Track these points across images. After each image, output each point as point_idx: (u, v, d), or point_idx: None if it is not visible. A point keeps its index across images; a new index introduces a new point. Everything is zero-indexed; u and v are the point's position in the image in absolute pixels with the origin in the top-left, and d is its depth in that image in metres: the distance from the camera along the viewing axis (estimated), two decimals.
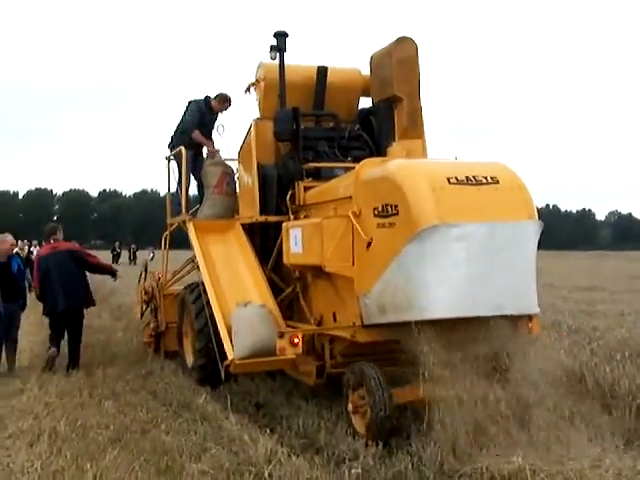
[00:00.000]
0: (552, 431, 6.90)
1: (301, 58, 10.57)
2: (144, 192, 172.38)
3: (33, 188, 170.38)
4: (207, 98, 11.67)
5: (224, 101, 11.70)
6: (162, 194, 12.33)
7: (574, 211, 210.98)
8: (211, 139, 11.82)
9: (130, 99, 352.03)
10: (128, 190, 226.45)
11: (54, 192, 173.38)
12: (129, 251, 62.30)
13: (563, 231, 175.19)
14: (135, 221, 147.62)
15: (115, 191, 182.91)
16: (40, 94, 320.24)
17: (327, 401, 8.94)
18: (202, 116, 11.61)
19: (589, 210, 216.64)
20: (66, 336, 11.81)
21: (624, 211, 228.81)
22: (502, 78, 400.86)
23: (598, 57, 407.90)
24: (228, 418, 8.26)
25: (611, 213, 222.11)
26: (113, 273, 12.70)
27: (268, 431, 7.88)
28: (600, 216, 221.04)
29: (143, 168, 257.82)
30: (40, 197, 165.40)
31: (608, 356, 9.75)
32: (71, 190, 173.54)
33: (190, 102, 11.76)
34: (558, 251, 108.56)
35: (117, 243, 65.28)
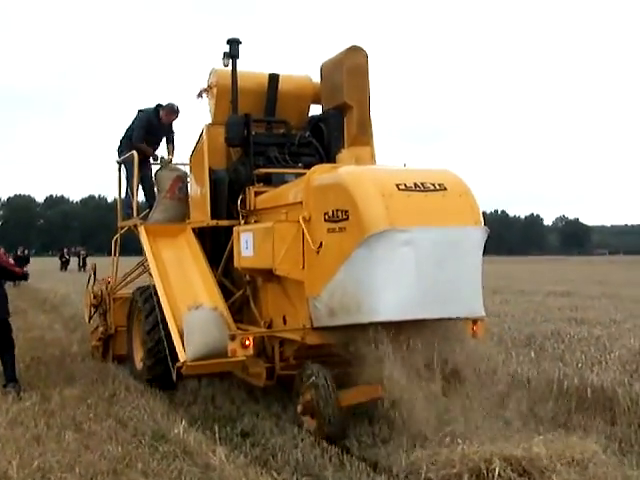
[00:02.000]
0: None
1: (253, 65, 10.75)
2: (91, 198, 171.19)
3: None
4: (157, 107, 11.69)
5: (171, 112, 11.73)
6: (110, 199, 12.27)
7: (522, 216, 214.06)
8: (157, 147, 11.88)
9: (76, 103, 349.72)
10: (75, 196, 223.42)
11: None
12: (78, 257, 61.33)
13: (512, 236, 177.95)
14: (83, 227, 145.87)
15: (62, 197, 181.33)
16: None
17: None
18: (150, 126, 11.62)
19: (537, 215, 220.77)
20: None
21: (571, 216, 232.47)
22: (453, 87, 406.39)
23: (548, 63, 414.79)
24: (215, 452, 6.95)
25: (558, 218, 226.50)
26: (25, 277, 11.68)
27: (262, 467, 6.87)
28: (548, 221, 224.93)
29: (90, 173, 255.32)
30: None
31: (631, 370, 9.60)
32: (16, 196, 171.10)
33: (140, 111, 11.78)
34: (510, 256, 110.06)
35: (65, 249, 64.24)
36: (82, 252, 62.12)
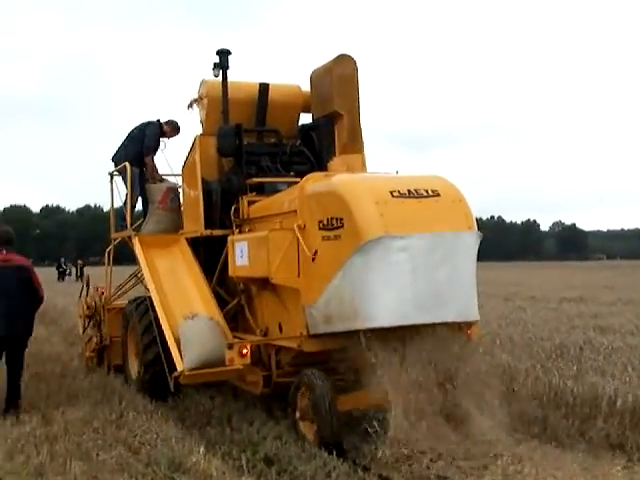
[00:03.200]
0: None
1: (243, 75, 10.81)
2: (87, 207, 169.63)
3: None
4: (159, 122, 11.74)
5: (175, 129, 11.80)
6: (106, 209, 12.19)
7: (519, 222, 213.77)
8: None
9: (72, 113, 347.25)
10: (71, 206, 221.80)
11: None
12: (76, 267, 60.96)
13: (509, 242, 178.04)
14: (79, 237, 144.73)
15: (58, 207, 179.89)
16: None
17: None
18: (157, 140, 11.68)
19: (534, 221, 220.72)
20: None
21: (568, 222, 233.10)
22: (448, 94, 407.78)
23: (544, 68, 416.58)
24: None
25: (555, 224, 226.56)
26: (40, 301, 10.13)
27: None
28: (544, 227, 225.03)
29: (86, 183, 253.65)
30: None
31: None
32: (12, 206, 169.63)
33: (149, 124, 11.72)
34: (508, 262, 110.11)
35: (62, 259, 63.71)
36: (79, 262, 61.85)
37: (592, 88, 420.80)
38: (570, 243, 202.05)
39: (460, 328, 7.88)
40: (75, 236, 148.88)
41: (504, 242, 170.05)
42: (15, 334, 9.52)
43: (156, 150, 11.72)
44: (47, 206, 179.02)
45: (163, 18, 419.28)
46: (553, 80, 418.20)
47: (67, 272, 60.96)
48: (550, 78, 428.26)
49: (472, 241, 7.77)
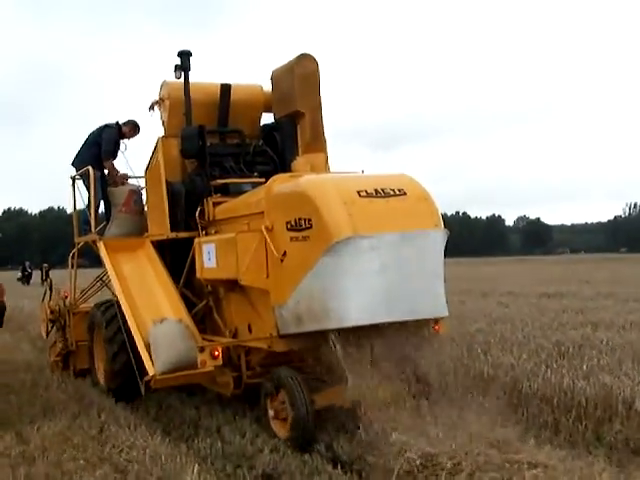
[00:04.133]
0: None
1: (204, 76, 10.80)
2: (50, 210, 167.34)
3: None
4: (117, 124, 11.68)
5: (135, 128, 11.76)
6: (69, 212, 11.97)
7: (484, 217, 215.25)
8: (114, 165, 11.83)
9: (35, 115, 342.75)
10: (34, 208, 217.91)
11: None
12: (41, 271, 60.01)
13: (474, 238, 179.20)
14: (42, 240, 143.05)
15: (20, 209, 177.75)
16: None
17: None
18: (116, 142, 11.66)
19: (499, 216, 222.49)
20: None
21: (532, 216, 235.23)
22: (409, 90, 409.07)
23: (507, 63, 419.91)
24: None
25: (520, 218, 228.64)
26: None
27: None
28: (509, 222, 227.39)
29: (49, 185, 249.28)
30: None
31: None
32: None
33: (105, 127, 11.70)
34: (475, 257, 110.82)
35: (27, 263, 62.25)
36: (45, 265, 60.92)
37: (555, 83, 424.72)
38: (535, 237, 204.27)
39: (426, 323, 7.97)
40: (38, 239, 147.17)
41: (469, 237, 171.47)
42: None
43: (115, 153, 11.69)
44: (9, 209, 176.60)
45: (124, 19, 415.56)
46: (516, 75, 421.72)
47: (31, 275, 59.96)
48: (512, 73, 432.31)
49: (439, 238, 7.86)
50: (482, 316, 16.34)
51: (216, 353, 8.27)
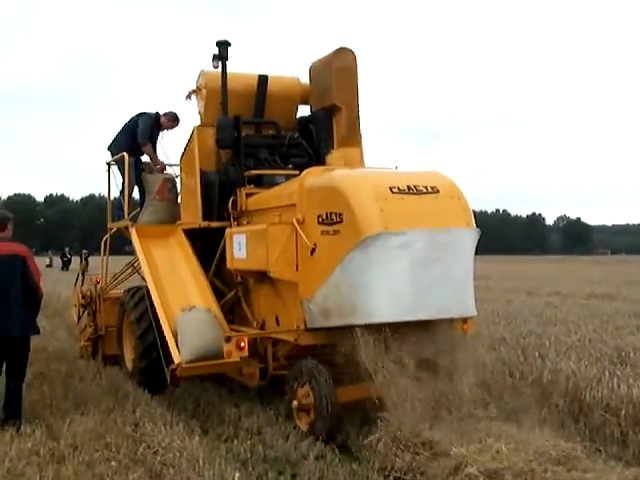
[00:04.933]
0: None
1: (243, 66, 10.80)
2: (91, 197, 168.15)
3: None
4: (157, 114, 11.71)
5: (174, 120, 11.75)
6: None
7: (524, 216, 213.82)
8: (156, 153, 11.85)
9: (77, 102, 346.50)
10: (75, 195, 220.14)
11: None
12: (81, 257, 60.21)
13: (513, 235, 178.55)
14: (82, 227, 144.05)
15: (62, 196, 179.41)
16: None
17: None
18: (152, 130, 11.67)
19: (539, 215, 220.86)
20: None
21: (573, 216, 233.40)
22: (456, 85, 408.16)
23: (551, 62, 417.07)
24: None
25: (560, 218, 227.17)
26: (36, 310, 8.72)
27: None
28: (549, 221, 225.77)
29: (90, 173, 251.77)
30: None
31: None
32: (16, 194, 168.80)
33: (142, 114, 11.73)
34: (511, 255, 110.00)
35: (67, 249, 62.34)
36: (84, 251, 61.19)
37: (602, 81, 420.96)
38: (575, 237, 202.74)
39: (452, 323, 7.88)
40: (79, 225, 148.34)
41: (508, 235, 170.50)
42: (7, 334, 8.26)
43: (152, 140, 11.71)
44: (51, 195, 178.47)
45: (168, 5, 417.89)
46: (561, 72, 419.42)
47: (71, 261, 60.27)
48: (558, 71, 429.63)
49: (470, 237, 7.79)
50: (531, 316, 16.12)
51: (242, 344, 8.25)
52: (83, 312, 13.03)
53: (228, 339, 8.28)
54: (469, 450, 6.34)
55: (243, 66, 10.80)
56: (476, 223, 7.87)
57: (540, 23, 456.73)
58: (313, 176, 8.21)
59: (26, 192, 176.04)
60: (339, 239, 7.51)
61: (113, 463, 6.73)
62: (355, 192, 7.46)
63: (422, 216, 7.51)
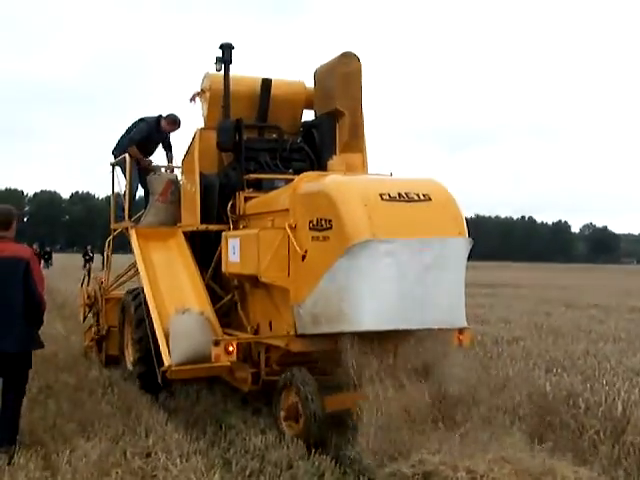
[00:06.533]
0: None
1: (246, 70, 10.76)
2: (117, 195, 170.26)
3: (3, 188, 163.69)
4: (159, 117, 11.76)
5: (173, 123, 11.78)
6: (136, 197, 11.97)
7: (550, 223, 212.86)
8: (150, 155, 11.93)
9: (103, 101, 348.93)
10: (101, 193, 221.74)
11: (25, 193, 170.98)
12: (102, 255, 59.48)
13: (539, 243, 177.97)
14: (107, 224, 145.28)
15: (87, 193, 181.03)
16: (13, 91, 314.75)
17: None
18: (149, 135, 11.70)
19: (565, 222, 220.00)
20: None
21: (599, 224, 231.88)
22: (484, 93, 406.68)
23: (581, 71, 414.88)
24: None
25: (586, 226, 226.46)
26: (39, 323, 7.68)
27: None
28: (575, 228, 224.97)
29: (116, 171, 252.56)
30: (10, 198, 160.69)
31: None
32: (42, 191, 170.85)
33: (142, 120, 11.82)
34: (535, 263, 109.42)
35: (89, 247, 61.99)
36: (89, 249, 61.09)
37: (631, 90, 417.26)
38: (601, 246, 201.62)
39: (444, 333, 7.77)
40: (103, 223, 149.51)
41: (533, 242, 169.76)
42: (4, 349, 7.24)
43: (151, 143, 11.83)
44: (77, 192, 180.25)
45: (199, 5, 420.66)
46: (589, 82, 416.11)
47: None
48: (587, 80, 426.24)
49: (461, 246, 7.68)
50: (578, 332, 15.52)
51: (230, 348, 8.17)
52: (88, 312, 13.07)
53: (217, 343, 8.21)
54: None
55: (248, 70, 10.82)
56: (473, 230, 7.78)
57: (578, 33, 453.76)
58: (306, 181, 8.16)
59: (52, 189, 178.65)
60: (328, 245, 7.45)
61: None
62: (344, 198, 7.39)
63: (412, 224, 7.42)
